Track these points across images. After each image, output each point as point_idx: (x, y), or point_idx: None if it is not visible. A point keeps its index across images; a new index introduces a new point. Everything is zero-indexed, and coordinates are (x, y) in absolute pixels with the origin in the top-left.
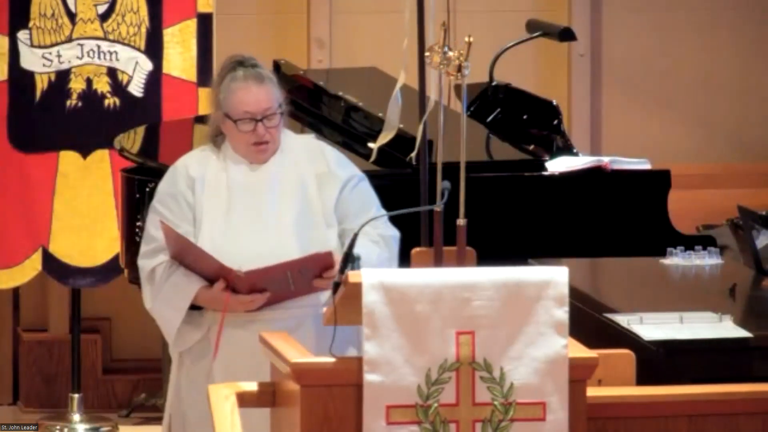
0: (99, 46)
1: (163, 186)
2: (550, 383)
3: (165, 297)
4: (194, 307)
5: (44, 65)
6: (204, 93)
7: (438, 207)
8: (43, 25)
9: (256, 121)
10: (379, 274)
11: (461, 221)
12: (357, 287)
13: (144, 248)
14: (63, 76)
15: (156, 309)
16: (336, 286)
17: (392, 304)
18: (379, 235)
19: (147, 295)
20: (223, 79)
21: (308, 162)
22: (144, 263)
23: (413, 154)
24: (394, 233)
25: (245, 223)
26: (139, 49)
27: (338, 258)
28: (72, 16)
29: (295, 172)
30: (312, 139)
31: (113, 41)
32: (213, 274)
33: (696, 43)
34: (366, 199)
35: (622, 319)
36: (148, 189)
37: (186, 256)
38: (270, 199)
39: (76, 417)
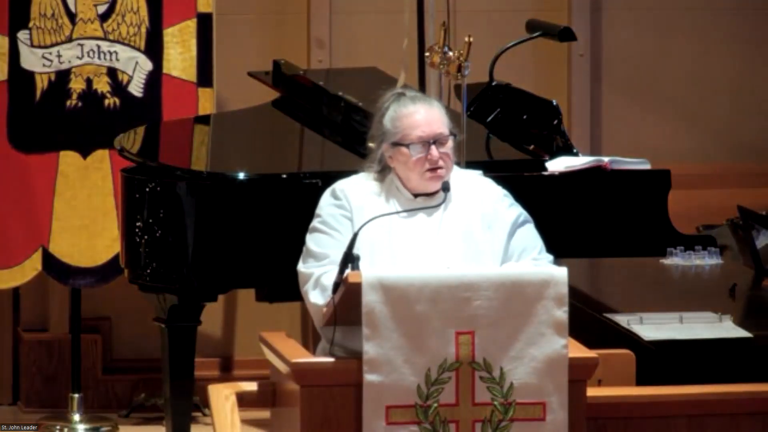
0: (99, 46)
1: (327, 208)
2: (550, 383)
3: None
4: None
5: (44, 65)
6: (204, 93)
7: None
8: (43, 25)
9: (430, 144)
10: (378, 273)
11: None
12: (356, 287)
13: (303, 263)
14: (63, 76)
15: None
16: (336, 286)
17: (392, 303)
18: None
19: (317, 299)
20: (387, 111)
21: (475, 202)
22: (306, 272)
23: None
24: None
25: (407, 263)
26: (139, 49)
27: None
28: (72, 16)
29: (461, 214)
30: (478, 177)
31: (113, 41)
32: None
33: (696, 43)
34: (530, 241)
35: (622, 319)
36: (148, 189)
37: None
38: (434, 240)
39: (76, 417)
